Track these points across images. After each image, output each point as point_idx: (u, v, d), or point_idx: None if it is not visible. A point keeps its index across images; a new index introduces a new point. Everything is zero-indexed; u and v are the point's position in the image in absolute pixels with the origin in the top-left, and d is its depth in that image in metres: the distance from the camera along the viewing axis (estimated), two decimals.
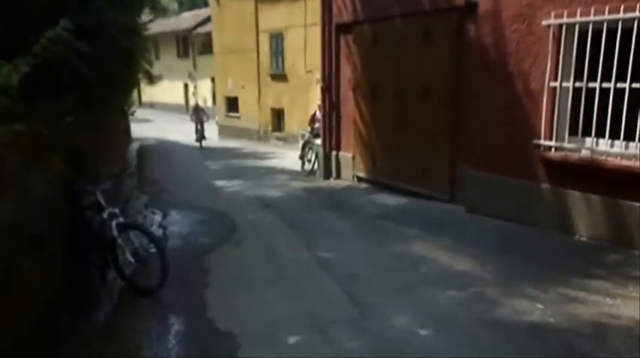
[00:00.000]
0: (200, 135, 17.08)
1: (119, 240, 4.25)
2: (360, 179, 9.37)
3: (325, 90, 9.89)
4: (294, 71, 17.35)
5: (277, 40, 17.93)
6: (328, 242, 5.92)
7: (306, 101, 16.10)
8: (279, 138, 18.38)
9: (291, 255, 5.50)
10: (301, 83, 16.93)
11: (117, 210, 4.36)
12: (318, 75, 16.58)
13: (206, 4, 35.87)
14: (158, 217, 7.39)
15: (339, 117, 9.75)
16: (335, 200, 8.25)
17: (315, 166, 10.82)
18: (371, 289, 4.46)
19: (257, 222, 7.02)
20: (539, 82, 5.77)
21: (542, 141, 5.76)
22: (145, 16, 8.55)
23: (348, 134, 9.54)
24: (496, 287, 4.38)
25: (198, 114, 17.31)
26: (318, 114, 11.14)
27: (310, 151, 11.19)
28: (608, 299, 4.06)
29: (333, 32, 9.49)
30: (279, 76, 18.07)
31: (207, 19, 27.46)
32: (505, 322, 3.77)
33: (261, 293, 4.48)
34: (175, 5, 49.83)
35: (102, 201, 4.30)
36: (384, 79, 8.47)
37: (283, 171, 11.50)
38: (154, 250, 4.45)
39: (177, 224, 7.00)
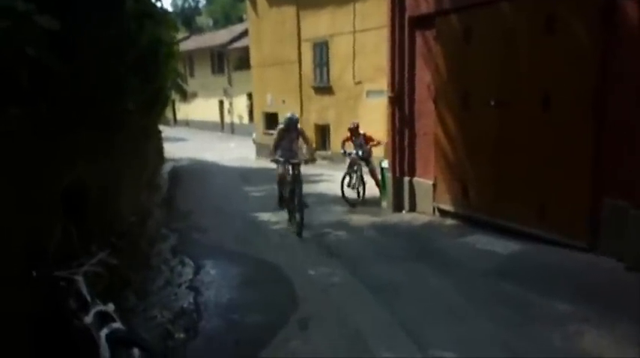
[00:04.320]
0: (292, 189, 7.14)
1: None
2: (443, 213, 7.31)
3: (394, 101, 7.91)
4: (340, 83, 15.54)
5: (321, 49, 16.20)
6: (438, 324, 3.89)
7: (355, 116, 14.20)
8: (324, 158, 16.48)
9: (391, 356, 3.49)
10: (349, 96, 15.11)
11: (110, 307, 2.48)
12: (369, 86, 14.87)
13: (240, 20, 34.87)
14: (189, 271, 5.54)
15: (413, 134, 7.73)
16: (419, 244, 6.21)
17: (362, 193, 9.27)
18: None
19: (323, 282, 5.03)
20: None
21: None
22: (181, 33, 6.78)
23: (426, 155, 7.51)
24: None
25: (292, 141, 7.47)
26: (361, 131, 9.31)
27: (355, 175, 9.22)
28: None
29: (406, 28, 7.52)
30: (324, 89, 16.26)
31: (243, 34, 26.28)
32: None
33: None
34: (210, 22, 49.48)
35: (85, 292, 2.44)
36: (480, 84, 6.46)
37: (337, 200, 9.52)
38: None
39: (213, 285, 5.08)
